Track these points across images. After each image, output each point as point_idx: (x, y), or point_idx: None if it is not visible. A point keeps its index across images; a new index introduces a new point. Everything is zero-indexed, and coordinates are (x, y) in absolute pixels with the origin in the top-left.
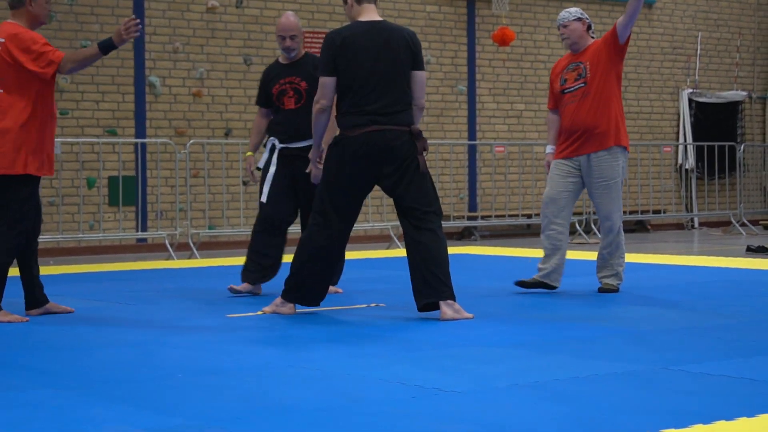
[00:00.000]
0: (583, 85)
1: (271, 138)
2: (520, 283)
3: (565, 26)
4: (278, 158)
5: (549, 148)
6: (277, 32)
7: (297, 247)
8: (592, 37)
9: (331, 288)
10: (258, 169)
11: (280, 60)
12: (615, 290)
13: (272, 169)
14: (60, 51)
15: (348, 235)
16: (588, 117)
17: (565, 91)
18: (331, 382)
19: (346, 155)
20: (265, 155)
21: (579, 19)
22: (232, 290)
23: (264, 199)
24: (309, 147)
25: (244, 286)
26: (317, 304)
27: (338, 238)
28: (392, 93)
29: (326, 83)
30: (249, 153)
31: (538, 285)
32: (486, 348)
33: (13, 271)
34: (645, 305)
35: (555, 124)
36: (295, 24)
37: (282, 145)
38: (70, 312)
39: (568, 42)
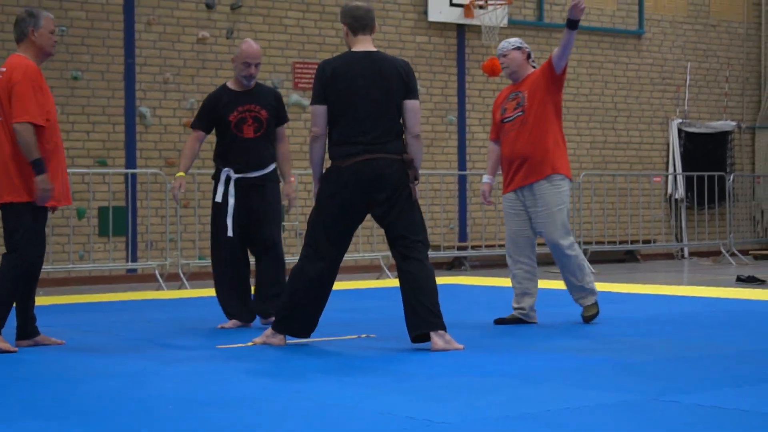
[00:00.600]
0: (520, 113)
1: (225, 169)
2: (500, 321)
3: (504, 55)
4: (235, 189)
5: (486, 178)
6: (242, 59)
7: (288, 278)
8: (533, 66)
9: None
10: (214, 203)
11: (231, 86)
12: (595, 315)
13: (231, 201)
14: (39, 118)
15: (338, 266)
16: (526, 146)
17: (505, 120)
18: (322, 412)
19: (338, 185)
20: (221, 188)
21: (518, 48)
22: (221, 328)
23: (230, 233)
24: (265, 176)
25: (233, 323)
26: (308, 336)
27: (329, 269)
28: (384, 122)
29: (318, 112)
30: (181, 173)
31: (517, 321)
32: (477, 378)
33: None
34: (635, 335)
35: (494, 155)
36: (260, 52)
37: (239, 176)
38: (60, 344)
39: (507, 71)
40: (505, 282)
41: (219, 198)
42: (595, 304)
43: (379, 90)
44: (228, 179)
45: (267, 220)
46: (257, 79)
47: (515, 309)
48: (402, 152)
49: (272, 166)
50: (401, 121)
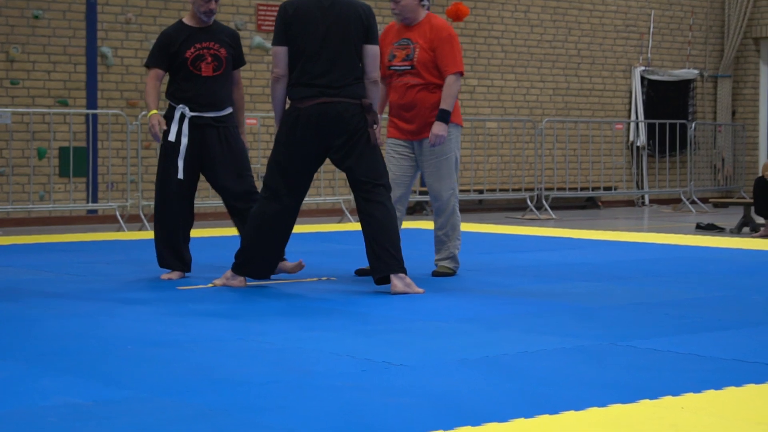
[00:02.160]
0: (409, 68)
1: (180, 106)
2: (361, 272)
3: (395, 2)
4: (189, 128)
5: None
6: None
7: (248, 220)
8: (424, 5)
9: (288, 265)
10: (165, 142)
11: (188, 23)
12: (451, 274)
13: (184, 141)
14: None
15: (298, 209)
16: (416, 97)
17: (391, 67)
18: (280, 354)
19: (296, 127)
20: (174, 126)
21: None
22: (168, 279)
23: (181, 175)
24: (222, 117)
25: (178, 274)
26: (267, 278)
27: (289, 211)
28: (343, 66)
29: (279, 53)
30: (154, 111)
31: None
32: (436, 322)
33: None
34: (594, 281)
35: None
36: None
37: (193, 114)
38: None
39: (399, 17)
40: (465, 227)
41: (172, 137)
42: (453, 270)
43: (340, 33)
44: (182, 117)
45: (227, 169)
46: (216, 19)
47: None
48: (361, 97)
49: (230, 109)
50: (361, 65)
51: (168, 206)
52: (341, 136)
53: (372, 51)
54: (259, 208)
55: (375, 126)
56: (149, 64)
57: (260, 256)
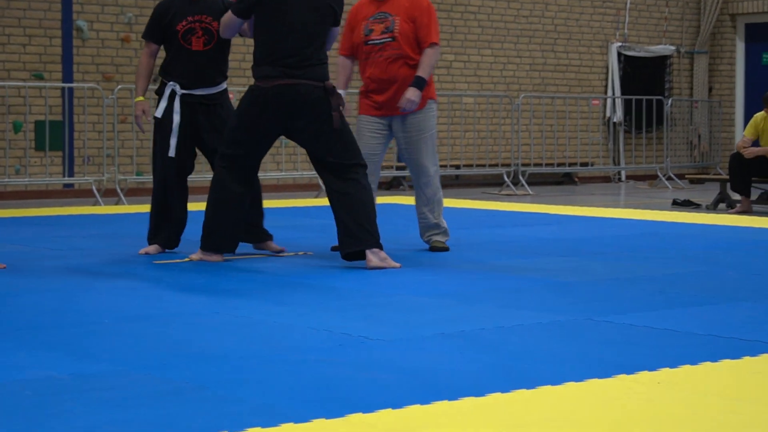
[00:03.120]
0: (390, 39)
1: (170, 83)
2: (336, 248)
3: None
4: (180, 106)
5: (342, 92)
6: None
7: (209, 193)
8: None
9: (273, 245)
10: (156, 118)
11: None
12: (447, 248)
13: (176, 118)
14: None
15: (255, 178)
16: (398, 72)
17: (369, 42)
18: (257, 329)
19: (257, 105)
20: (163, 103)
21: None
22: (145, 253)
23: (172, 153)
24: (214, 95)
25: (155, 248)
26: (233, 251)
27: (247, 180)
28: (309, 48)
29: (233, 21)
30: (140, 98)
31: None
32: (412, 297)
33: None
34: (570, 256)
35: (347, 70)
36: None
37: (184, 91)
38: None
39: None
40: (444, 202)
41: (159, 113)
42: (446, 244)
43: (310, 15)
44: (173, 94)
45: (215, 140)
46: None
47: None
48: (324, 79)
49: (223, 85)
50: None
51: (159, 183)
52: (302, 118)
53: (334, 33)
54: (219, 180)
55: (341, 107)
56: (144, 36)
57: (221, 228)
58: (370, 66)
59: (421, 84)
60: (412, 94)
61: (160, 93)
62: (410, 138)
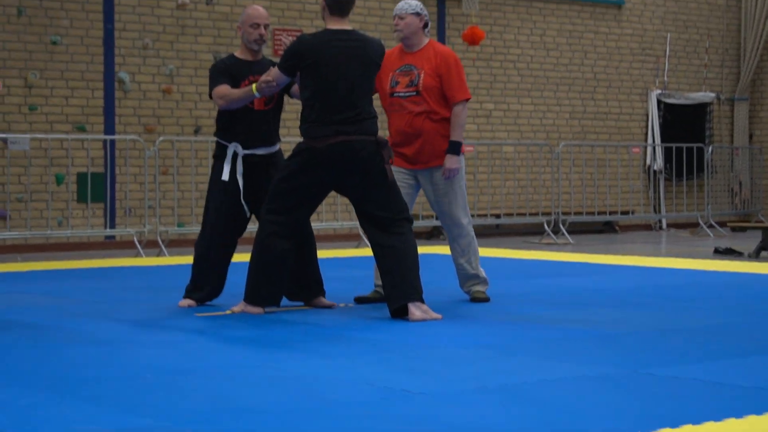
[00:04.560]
0: (414, 93)
1: (232, 144)
2: (360, 299)
3: (401, 18)
4: (243, 167)
5: None
6: (249, 21)
7: (254, 246)
8: (426, 32)
9: (324, 301)
10: (212, 177)
11: (239, 56)
12: (487, 299)
13: (241, 180)
14: None
15: (301, 233)
16: (423, 125)
17: (395, 94)
18: (300, 383)
19: (309, 165)
20: (227, 166)
21: (417, 15)
22: (187, 306)
23: (248, 213)
24: (272, 155)
25: (195, 302)
26: (277, 305)
27: (295, 240)
28: (360, 103)
29: (279, 77)
30: (252, 86)
31: (381, 299)
32: (455, 349)
33: None
34: (612, 307)
35: None
36: (267, 14)
37: (246, 152)
38: None
39: (400, 35)
40: (483, 252)
41: (226, 176)
42: (486, 294)
43: (359, 71)
44: (235, 156)
45: None
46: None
47: (377, 286)
48: (375, 133)
49: (279, 145)
50: None
51: (213, 246)
52: (356, 174)
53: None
54: (263, 234)
55: (390, 160)
56: (213, 87)
57: (266, 283)
58: (396, 118)
59: (457, 149)
60: (451, 162)
61: (219, 155)
62: (439, 190)
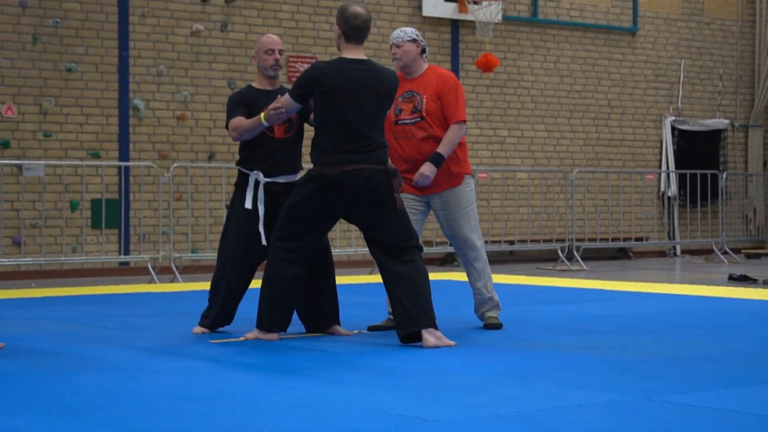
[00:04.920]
0: (419, 119)
1: (253, 172)
2: (374, 327)
3: (398, 46)
4: (264, 195)
5: None
6: (263, 48)
7: (265, 272)
8: (425, 60)
9: (340, 329)
10: (230, 205)
11: (257, 86)
12: (501, 325)
13: (262, 208)
14: None
15: (312, 259)
16: (430, 151)
17: (400, 122)
18: (313, 410)
19: (320, 191)
20: (250, 193)
21: (414, 41)
22: (201, 332)
23: (264, 242)
24: (293, 183)
25: (204, 330)
26: (286, 328)
27: (304, 261)
28: (370, 133)
29: (290, 107)
30: (260, 115)
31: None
32: (468, 376)
33: None
34: (626, 334)
35: None
36: (280, 40)
37: (267, 179)
38: None
39: (399, 63)
40: (497, 278)
41: (249, 204)
42: (499, 320)
43: (372, 101)
44: (257, 184)
45: None
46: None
47: (391, 314)
48: (385, 162)
49: (300, 173)
50: None
51: (231, 273)
52: (366, 201)
53: (388, 117)
54: (273, 260)
55: (400, 189)
56: (228, 118)
57: (277, 308)
58: (404, 145)
59: (438, 160)
60: (426, 169)
61: (241, 183)
62: (451, 214)
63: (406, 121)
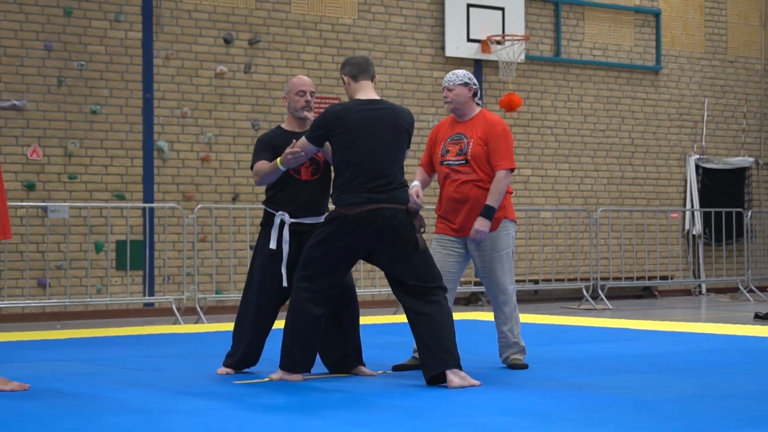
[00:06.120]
0: (463, 162)
1: (279, 213)
2: (399, 367)
3: (450, 90)
4: (289, 236)
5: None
6: (294, 89)
7: (288, 313)
8: (478, 104)
9: (364, 370)
10: (256, 246)
11: (286, 127)
12: (525, 366)
13: (286, 248)
14: None
15: (334, 294)
16: (470, 193)
17: (445, 162)
18: None
19: (341, 232)
20: (275, 233)
21: (465, 84)
22: (225, 373)
23: (285, 283)
24: (318, 225)
25: (228, 371)
26: (309, 370)
27: (327, 306)
28: (389, 171)
29: (308, 149)
30: (279, 160)
31: (419, 367)
32: (494, 417)
33: None
34: (652, 373)
35: (423, 175)
36: (311, 82)
37: (293, 220)
38: (24, 389)
39: (450, 106)
40: (522, 318)
41: (273, 245)
42: (524, 362)
43: (388, 139)
44: (282, 224)
45: None
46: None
47: (416, 352)
48: (406, 201)
49: (326, 215)
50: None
51: (255, 312)
52: (387, 242)
53: (406, 155)
54: (296, 301)
55: (422, 229)
56: (253, 162)
57: (300, 348)
58: (446, 186)
59: (489, 213)
60: (479, 224)
61: (267, 223)
62: (485, 257)
63: (450, 162)
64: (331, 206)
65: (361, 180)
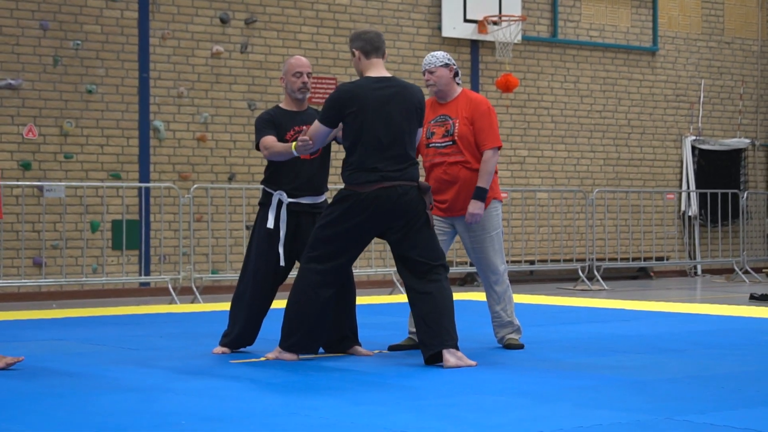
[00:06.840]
0: (450, 143)
1: (277, 192)
2: (394, 347)
3: (431, 72)
4: (286, 215)
5: None
6: (291, 70)
7: (293, 293)
8: (458, 84)
9: (360, 350)
10: (254, 225)
11: (284, 107)
12: (521, 346)
13: (283, 228)
14: None
15: (346, 276)
16: (458, 174)
17: (431, 144)
18: (334, 430)
19: (352, 211)
20: (272, 213)
21: (446, 65)
22: (221, 353)
23: (282, 262)
24: (319, 205)
25: (229, 349)
26: (316, 352)
27: (336, 283)
28: (402, 150)
29: (320, 131)
30: (293, 144)
31: (414, 346)
32: (489, 396)
33: None
34: (647, 353)
35: None
36: (308, 63)
37: (291, 200)
38: (19, 360)
39: (433, 89)
40: (517, 298)
41: (271, 224)
42: (520, 342)
43: (400, 118)
44: (280, 204)
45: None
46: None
47: (411, 333)
48: (417, 178)
49: (326, 195)
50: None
51: (252, 292)
52: (400, 219)
53: (419, 134)
54: (303, 281)
55: (431, 206)
56: (259, 138)
57: (305, 331)
58: (434, 167)
59: (482, 195)
60: (474, 207)
61: (265, 203)
62: (475, 237)
63: (437, 144)
64: (331, 186)
65: (372, 158)
